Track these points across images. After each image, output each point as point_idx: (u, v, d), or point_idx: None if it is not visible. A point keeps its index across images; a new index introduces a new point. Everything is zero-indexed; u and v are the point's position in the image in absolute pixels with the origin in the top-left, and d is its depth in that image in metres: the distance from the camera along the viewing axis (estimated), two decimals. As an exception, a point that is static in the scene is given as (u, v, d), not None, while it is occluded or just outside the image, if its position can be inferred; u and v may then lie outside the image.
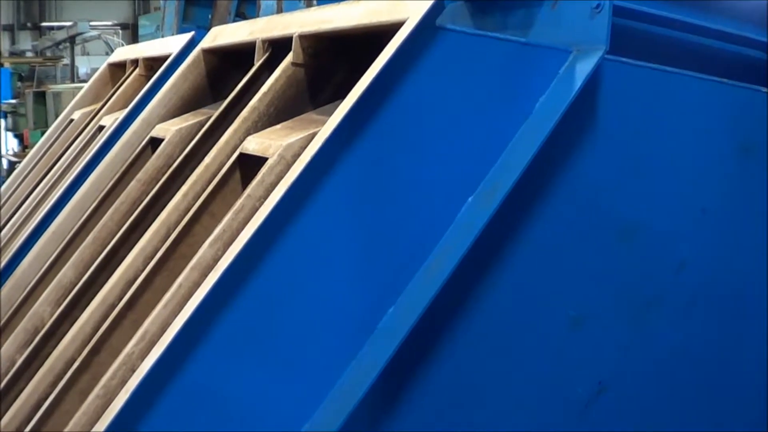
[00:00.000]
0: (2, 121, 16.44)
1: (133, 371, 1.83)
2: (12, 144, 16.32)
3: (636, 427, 2.27)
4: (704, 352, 2.37)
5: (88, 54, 22.54)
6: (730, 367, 2.41)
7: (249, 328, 1.78)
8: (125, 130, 3.02)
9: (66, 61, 18.73)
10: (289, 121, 2.15)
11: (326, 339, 1.83)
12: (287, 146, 1.91)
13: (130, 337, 1.95)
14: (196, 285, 1.85)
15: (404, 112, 1.83)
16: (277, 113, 2.21)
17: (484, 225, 1.86)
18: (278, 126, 2.13)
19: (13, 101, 15.84)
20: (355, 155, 1.80)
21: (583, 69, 1.95)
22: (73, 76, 17.05)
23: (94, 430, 1.78)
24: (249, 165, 2.08)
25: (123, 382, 1.84)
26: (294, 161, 1.83)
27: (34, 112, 13.64)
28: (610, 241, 2.11)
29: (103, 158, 3.05)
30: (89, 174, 3.08)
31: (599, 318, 2.14)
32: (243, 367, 1.79)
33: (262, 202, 1.83)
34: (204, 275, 1.87)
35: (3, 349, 2.67)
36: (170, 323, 1.81)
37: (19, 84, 15.75)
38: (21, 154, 13.74)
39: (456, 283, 1.87)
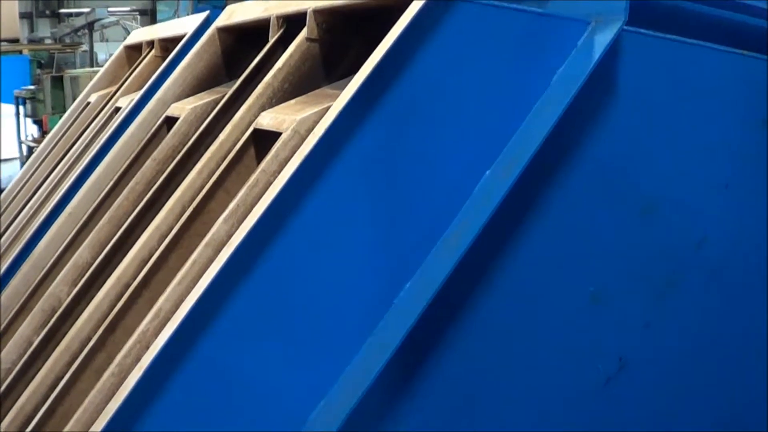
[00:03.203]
0: (21, 107, 16.48)
1: (148, 349, 1.81)
2: (32, 130, 16.37)
3: (657, 405, 2.25)
4: (725, 329, 2.34)
5: (106, 40, 22.59)
6: (752, 344, 2.38)
7: (263, 304, 1.76)
8: (141, 111, 3.01)
9: (85, 47, 18.76)
10: (303, 96, 2.13)
11: (341, 315, 1.81)
12: (301, 120, 1.88)
13: (145, 316, 1.94)
14: (210, 261, 1.84)
15: (420, 84, 1.80)
16: (292, 89, 2.19)
17: (502, 199, 1.83)
18: (292, 101, 2.11)
19: (32, 87, 15.88)
20: (370, 128, 1.78)
21: (602, 40, 1.91)
22: (92, 62, 17.07)
23: (107, 408, 1.76)
24: (263, 141, 2.06)
25: (137, 360, 1.83)
26: (308, 135, 1.81)
27: (52, 97, 13.65)
28: (630, 215, 2.08)
29: (118, 139, 3.05)
30: (105, 155, 3.07)
31: (620, 294, 2.12)
32: (257, 343, 1.78)
33: (277, 177, 1.81)
34: (218, 251, 1.85)
35: (20, 330, 2.67)
36: (184, 300, 1.80)
37: (38, 71, 15.79)
38: (40, 139, 13.78)
39: (474, 258, 1.85)
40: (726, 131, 2.20)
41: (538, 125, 1.85)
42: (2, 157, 15.20)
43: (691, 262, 2.21)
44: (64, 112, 4.70)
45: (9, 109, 17.20)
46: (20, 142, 16.51)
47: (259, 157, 2.07)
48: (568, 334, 2.08)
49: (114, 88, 3.90)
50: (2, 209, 4.41)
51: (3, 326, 2.91)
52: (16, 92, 16.67)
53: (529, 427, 2.04)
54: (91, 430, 1.79)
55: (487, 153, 1.86)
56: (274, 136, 1.97)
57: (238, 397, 1.78)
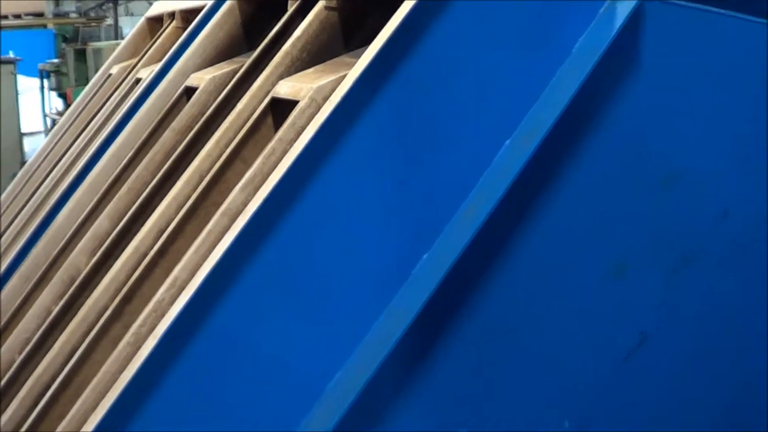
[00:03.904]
0: (45, 81, 16.51)
1: (163, 318, 1.81)
2: (56, 103, 16.42)
3: (676, 380, 2.22)
4: (747, 303, 2.31)
5: (131, 14, 22.60)
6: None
7: (278, 274, 1.75)
8: (161, 82, 3.00)
9: (109, 21, 18.78)
10: (322, 65, 2.11)
11: (358, 286, 1.80)
12: (318, 88, 1.87)
13: (162, 285, 1.93)
14: (226, 231, 1.82)
15: (437, 52, 1.78)
16: (311, 58, 2.17)
17: (521, 169, 1.81)
18: (310, 70, 2.10)
19: (56, 61, 15.91)
20: (386, 96, 1.76)
21: (624, 9, 1.89)
22: (116, 35, 17.08)
23: (121, 377, 1.76)
24: (281, 110, 2.04)
25: (153, 329, 1.82)
26: (325, 104, 1.80)
27: (75, 70, 13.68)
28: (652, 186, 2.05)
29: (138, 110, 3.04)
30: (125, 126, 3.07)
31: (641, 267, 2.09)
32: (272, 313, 1.77)
33: (293, 145, 1.80)
34: (234, 221, 1.84)
35: (40, 299, 2.67)
36: (200, 270, 1.79)
37: (63, 45, 15.82)
38: (65, 113, 13.75)
39: (492, 229, 1.83)
40: (750, 101, 2.17)
41: (558, 95, 1.83)
42: (27, 131, 15.25)
43: (713, 235, 2.18)
44: (87, 84, 4.71)
45: (34, 82, 17.25)
46: (45, 116, 16.56)
47: (277, 126, 2.05)
48: (587, 308, 2.06)
49: (135, 60, 3.90)
50: (25, 181, 4.42)
51: (23, 296, 2.91)
52: (40, 66, 16.70)
53: (547, 400, 2.03)
54: (105, 399, 1.79)
55: (506, 122, 1.84)
56: (291, 104, 1.95)
57: (253, 367, 1.77)
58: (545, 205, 1.92)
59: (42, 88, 16.87)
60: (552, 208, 1.93)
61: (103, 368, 1.89)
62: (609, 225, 2.02)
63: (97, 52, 11.95)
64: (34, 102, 17.01)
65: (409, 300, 1.79)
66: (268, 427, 1.78)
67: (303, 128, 1.84)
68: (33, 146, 14.38)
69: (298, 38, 2.18)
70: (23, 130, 14.77)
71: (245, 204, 1.85)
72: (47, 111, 16.55)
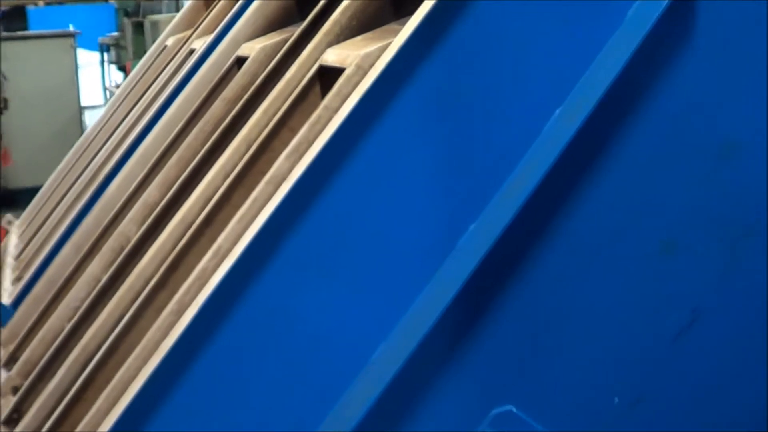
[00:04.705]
0: (105, 54, 16.62)
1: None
2: (116, 77, 16.52)
3: (729, 360, 2.18)
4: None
5: (192, -11, 22.60)
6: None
7: (321, 244, 1.73)
8: (213, 52, 3.00)
9: (170, -5, 18.83)
10: (370, 32, 2.09)
11: (403, 256, 1.77)
12: (365, 56, 1.84)
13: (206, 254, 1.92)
14: (271, 199, 1.81)
15: (486, 18, 1.75)
16: (360, 26, 2.15)
17: (570, 140, 1.77)
18: (358, 37, 2.08)
19: (115, 34, 15.99)
20: (434, 63, 1.73)
21: (678, -23, 1.84)
22: (177, 9, 17.12)
23: (162, 345, 1.75)
24: (329, 78, 2.02)
25: (196, 298, 1.81)
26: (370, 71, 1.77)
27: (133, 43, 13.73)
28: (706, 161, 2.00)
29: (190, 80, 3.04)
30: (177, 97, 3.07)
31: (693, 244, 2.04)
32: (315, 283, 1.75)
33: (338, 113, 1.77)
34: (279, 189, 1.82)
35: (89, 268, 2.68)
36: (243, 238, 1.77)
37: (125, 19, 15.89)
38: (123, 86, 13.81)
39: (540, 201, 1.80)
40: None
41: (610, 64, 1.78)
42: (87, 104, 15.37)
43: (770, 211, 2.13)
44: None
45: (94, 56, 17.37)
46: (105, 89, 16.68)
47: (325, 94, 2.03)
48: (637, 285, 2.01)
49: (190, 32, 3.90)
50: (81, 152, 4.45)
51: (74, 265, 2.93)
52: (100, 39, 16.81)
53: (595, 377, 1.99)
54: (145, 368, 1.78)
55: (556, 91, 1.80)
56: (339, 72, 1.93)
57: (294, 337, 1.75)
58: (594, 177, 1.88)
59: (102, 61, 16.99)
60: (601, 181, 1.89)
61: (147, 336, 1.88)
62: (660, 199, 1.97)
63: (155, 24, 11.96)
64: (95, 76, 17.14)
65: (455, 271, 1.77)
66: (309, 398, 1.76)
67: (349, 96, 1.82)
68: (93, 120, 14.49)
69: (348, 6, 2.16)
70: (84, 104, 14.89)
71: (290, 172, 1.83)
72: (107, 84, 16.66)
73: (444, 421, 1.85)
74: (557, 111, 1.80)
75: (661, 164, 1.94)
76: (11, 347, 2.92)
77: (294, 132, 2.03)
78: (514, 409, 1.91)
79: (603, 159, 1.88)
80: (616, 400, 2.01)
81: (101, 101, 16.33)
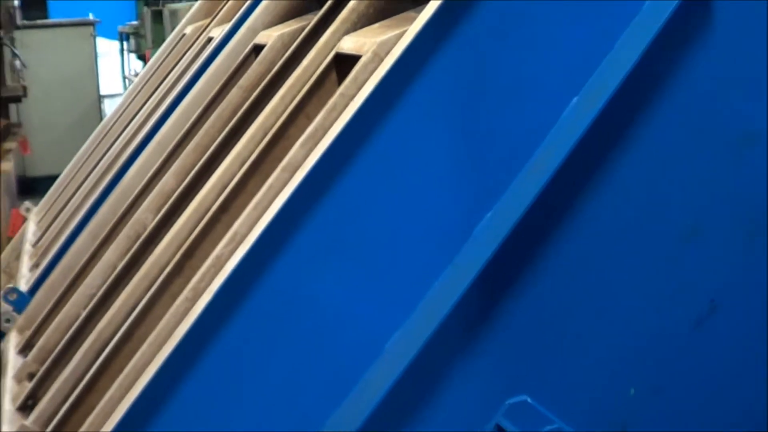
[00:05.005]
0: (125, 43, 16.66)
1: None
2: (135, 65, 16.56)
3: (748, 350, 2.16)
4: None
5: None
6: None
7: (336, 230, 1.72)
8: (230, 40, 2.99)
9: (190, -16, 18.80)
10: (387, 19, 2.08)
11: (419, 243, 1.76)
12: (381, 43, 1.83)
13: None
14: (286, 185, 1.80)
15: (502, 7, 1.74)
16: (377, 13, 2.14)
17: (589, 126, 1.76)
18: (375, 25, 2.07)
19: (135, 23, 16.04)
20: (450, 51, 1.72)
21: (699, -37, 1.82)
22: (198, 0, 17.10)
23: (176, 332, 1.75)
24: (346, 65, 2.01)
25: (210, 284, 1.81)
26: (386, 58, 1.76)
27: (152, 32, 13.77)
28: (728, 147, 1.98)
29: (208, 68, 3.03)
30: (195, 85, 3.06)
31: (714, 231, 2.03)
32: (330, 270, 1.74)
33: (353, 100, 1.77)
34: (294, 176, 1.81)
35: (105, 256, 2.69)
36: (258, 224, 1.77)
37: (144, 8, 15.92)
38: (143, 74, 13.82)
39: (558, 188, 1.78)
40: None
41: (628, 51, 1.77)
42: (107, 93, 15.40)
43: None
44: (163, 45, 4.73)
45: (114, 45, 17.42)
46: (124, 78, 16.72)
47: (341, 82, 2.03)
48: (657, 273, 2.00)
49: (209, 20, 3.90)
50: (99, 140, 4.45)
51: (90, 253, 2.93)
52: (119, 28, 16.85)
53: (612, 366, 1.98)
54: (159, 354, 1.78)
55: (574, 79, 1.78)
56: (355, 59, 1.92)
57: (310, 326, 1.74)
58: (613, 166, 1.87)
59: (121, 50, 17.03)
60: (620, 169, 1.88)
61: (161, 323, 1.88)
62: (681, 187, 1.95)
63: (174, 13, 11.98)
64: (115, 64, 17.18)
65: (471, 260, 1.76)
66: (324, 384, 1.75)
67: (365, 83, 1.81)
68: (112, 108, 14.51)
69: (365, -8, 2.15)
70: (103, 93, 14.93)
71: (306, 159, 1.82)
72: (126, 73, 16.70)
73: (458, 410, 1.84)
74: (574, 99, 1.79)
75: (680, 153, 1.92)
76: (27, 333, 2.92)
77: (310, 119, 2.02)
78: (529, 399, 1.90)
79: (621, 147, 1.86)
80: (633, 390, 1.99)
81: (120, 90, 16.37)
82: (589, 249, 1.89)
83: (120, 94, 15.17)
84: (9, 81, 11.81)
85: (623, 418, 1.98)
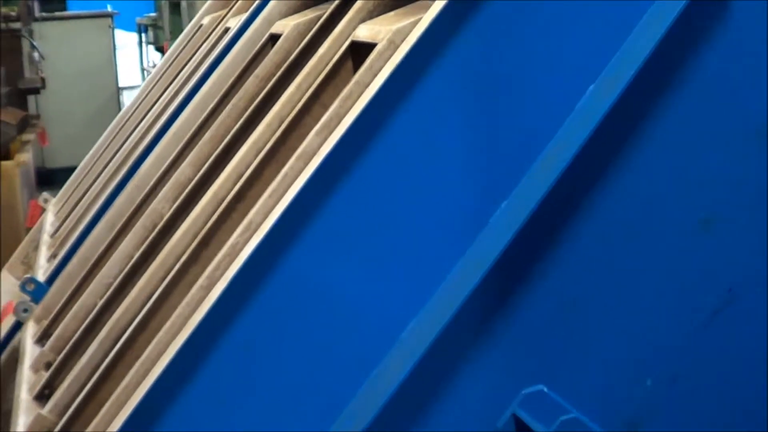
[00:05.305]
0: (143, 35, 16.68)
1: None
2: (154, 57, 16.58)
3: (766, 340, 2.15)
4: None
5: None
6: None
7: (351, 218, 1.71)
8: (247, 30, 2.99)
9: (209, -24, 18.78)
10: (404, 7, 2.07)
11: (434, 232, 1.76)
12: (397, 30, 1.82)
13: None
14: (301, 173, 1.80)
15: (521, -8, 1.73)
16: (393, 2, 2.13)
17: (605, 115, 1.75)
18: (391, 13, 2.06)
19: (153, 15, 16.07)
20: (466, 38, 1.71)
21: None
22: (214, -9, 17.11)
23: (191, 320, 1.75)
24: (362, 53, 2.01)
25: (225, 273, 1.81)
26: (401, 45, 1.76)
27: (170, 23, 13.80)
28: (745, 137, 1.97)
29: (224, 58, 3.03)
30: (211, 75, 3.06)
31: (731, 221, 2.01)
32: (344, 258, 1.73)
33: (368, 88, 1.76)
34: (309, 164, 1.81)
35: (122, 246, 2.69)
36: (273, 212, 1.77)
37: (162, 0, 15.94)
38: (162, 67, 13.84)
39: (573, 178, 1.77)
40: None
41: (645, 39, 1.75)
42: (125, 85, 15.44)
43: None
44: (180, 36, 4.74)
45: (132, 37, 17.45)
46: (143, 69, 16.75)
47: (357, 70, 2.02)
48: (674, 263, 1.99)
49: (226, 11, 3.90)
50: (116, 132, 4.46)
51: (107, 243, 2.94)
52: (137, 20, 16.88)
53: (628, 357, 1.97)
54: (174, 342, 1.78)
55: (589, 69, 1.77)
56: (371, 48, 1.91)
57: (324, 311, 1.74)
58: (629, 154, 1.85)
59: (140, 42, 17.06)
60: (637, 158, 1.86)
61: (176, 312, 1.88)
62: (698, 176, 1.94)
63: (191, 4, 11.97)
64: (133, 56, 17.22)
65: (487, 248, 1.75)
66: (339, 373, 1.75)
67: (380, 71, 1.80)
68: (131, 100, 14.54)
69: (381, -19, 2.14)
70: (121, 84, 14.97)
71: (321, 147, 1.82)
72: (145, 65, 16.73)
73: (473, 400, 1.83)
74: (590, 88, 1.77)
75: (699, 141, 1.91)
76: (45, 323, 2.93)
77: (326, 107, 2.02)
78: (546, 389, 1.89)
79: (638, 135, 1.85)
80: (649, 381, 1.98)
81: (139, 82, 16.40)
82: (604, 238, 1.88)
83: (138, 86, 15.22)
84: (27, 73, 11.86)
85: (639, 409, 1.97)
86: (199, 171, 2.55)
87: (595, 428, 1.85)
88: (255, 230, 1.81)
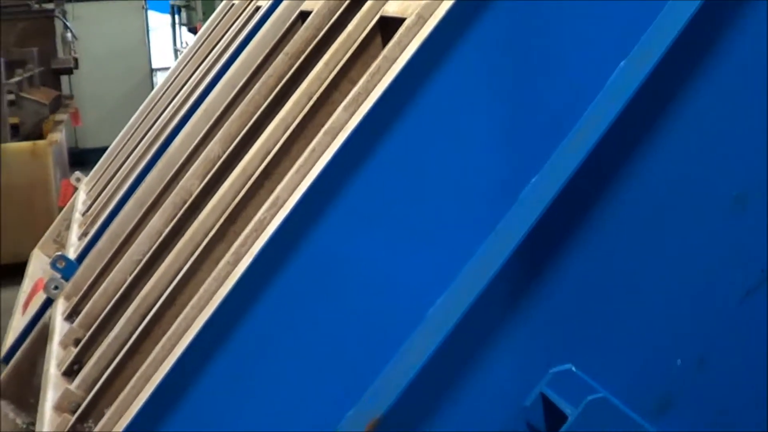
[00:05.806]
0: (176, 16, 16.72)
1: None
2: (187, 38, 16.63)
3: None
4: None
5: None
6: None
7: (378, 193, 1.70)
8: (277, 8, 2.98)
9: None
10: (433, -18, 2.05)
11: (463, 207, 1.74)
12: (426, 5, 1.80)
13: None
14: (328, 148, 1.78)
15: (550, -33, 1.71)
16: (423, -24, 2.11)
17: (636, 91, 1.73)
18: (421, -13, 2.04)
19: (186, -5, 16.16)
20: (494, 11, 1.69)
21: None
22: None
23: (217, 294, 1.75)
24: (390, 29, 1.99)
25: (252, 248, 1.80)
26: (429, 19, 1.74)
27: (203, 4, 13.84)
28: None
29: (255, 36, 3.03)
30: (241, 53, 3.06)
31: (765, 198, 1.99)
32: (371, 233, 1.72)
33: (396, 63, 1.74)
34: (336, 139, 1.80)
35: (151, 222, 2.69)
36: (299, 188, 1.76)
37: (195, -19, 15.98)
38: (196, 47, 13.86)
39: (604, 154, 1.75)
40: None
41: (677, 15, 1.73)
42: (158, 66, 15.48)
43: None
44: (212, 16, 4.73)
45: (166, 19, 17.50)
46: (176, 51, 16.80)
47: (386, 45, 2.00)
48: (706, 241, 1.96)
49: (256, -10, 3.89)
50: (148, 110, 4.47)
51: (137, 220, 2.94)
52: (171, 1, 16.93)
53: (658, 337, 1.95)
54: (199, 318, 1.78)
55: (621, 44, 1.75)
56: (400, 23, 1.89)
57: (350, 287, 1.73)
58: (661, 130, 1.83)
59: (173, 23, 17.11)
60: (668, 135, 1.84)
61: (203, 287, 1.87)
62: (731, 152, 1.91)
63: (224, -15, 12.02)
64: (166, 38, 17.27)
65: (516, 224, 1.73)
66: (365, 349, 1.74)
67: (409, 45, 1.79)
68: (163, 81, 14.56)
69: (411, -43, 2.12)
70: (155, 66, 15.01)
71: (348, 122, 1.81)
72: (178, 46, 16.78)
73: (501, 378, 1.82)
74: (622, 63, 1.75)
75: (732, 115, 1.88)
76: (74, 300, 2.94)
77: (354, 83, 2.00)
78: (574, 368, 1.87)
79: (670, 111, 1.83)
80: (679, 360, 1.96)
81: (172, 63, 16.44)
82: (635, 216, 1.86)
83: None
84: (61, 53, 11.91)
85: (668, 389, 1.95)
86: (227, 148, 2.54)
87: (623, 408, 1.83)
88: (281, 206, 1.80)
